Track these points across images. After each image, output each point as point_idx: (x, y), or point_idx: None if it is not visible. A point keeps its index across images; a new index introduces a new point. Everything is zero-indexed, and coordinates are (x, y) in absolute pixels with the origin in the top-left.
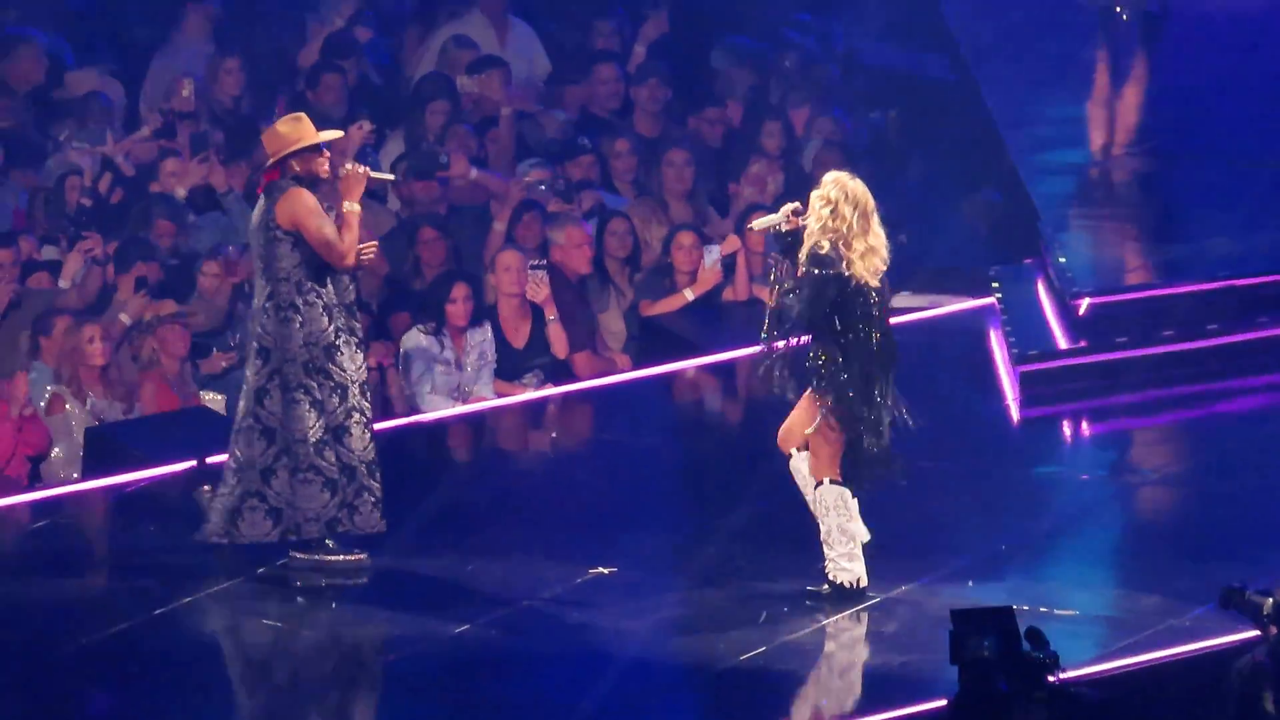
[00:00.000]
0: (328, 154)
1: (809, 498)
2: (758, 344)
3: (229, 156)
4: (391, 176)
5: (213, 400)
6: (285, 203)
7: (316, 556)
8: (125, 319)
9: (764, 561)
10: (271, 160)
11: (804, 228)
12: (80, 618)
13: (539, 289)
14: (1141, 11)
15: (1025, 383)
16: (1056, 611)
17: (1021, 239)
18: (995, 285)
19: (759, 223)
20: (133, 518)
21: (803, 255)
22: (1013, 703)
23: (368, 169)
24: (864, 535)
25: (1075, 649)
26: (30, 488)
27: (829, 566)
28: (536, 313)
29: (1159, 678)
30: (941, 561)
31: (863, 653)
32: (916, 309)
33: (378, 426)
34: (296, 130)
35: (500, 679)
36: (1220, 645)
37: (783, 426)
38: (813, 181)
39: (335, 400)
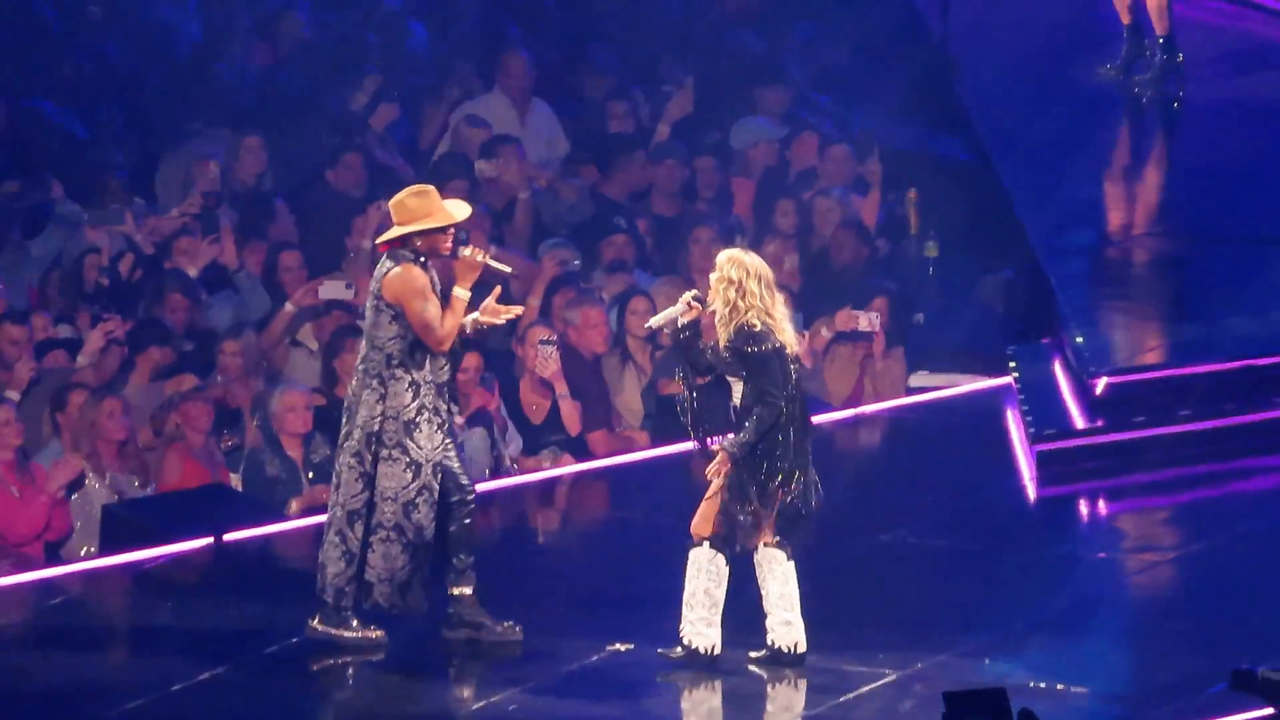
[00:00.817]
0: (451, 232)
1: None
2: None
3: (246, 236)
4: (509, 269)
5: (237, 480)
6: (395, 278)
7: (335, 631)
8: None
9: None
10: (397, 232)
11: (700, 318)
12: (95, 694)
13: (548, 364)
14: (1161, 95)
15: (1042, 462)
16: (1072, 689)
17: (1039, 318)
18: (1012, 365)
19: (656, 319)
20: (150, 595)
21: (724, 338)
22: None
23: (486, 257)
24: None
25: None
26: (47, 563)
27: (685, 629)
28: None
29: None
30: (958, 639)
31: None
32: (933, 388)
33: None
34: (425, 206)
35: None
36: None
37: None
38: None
39: (408, 476)
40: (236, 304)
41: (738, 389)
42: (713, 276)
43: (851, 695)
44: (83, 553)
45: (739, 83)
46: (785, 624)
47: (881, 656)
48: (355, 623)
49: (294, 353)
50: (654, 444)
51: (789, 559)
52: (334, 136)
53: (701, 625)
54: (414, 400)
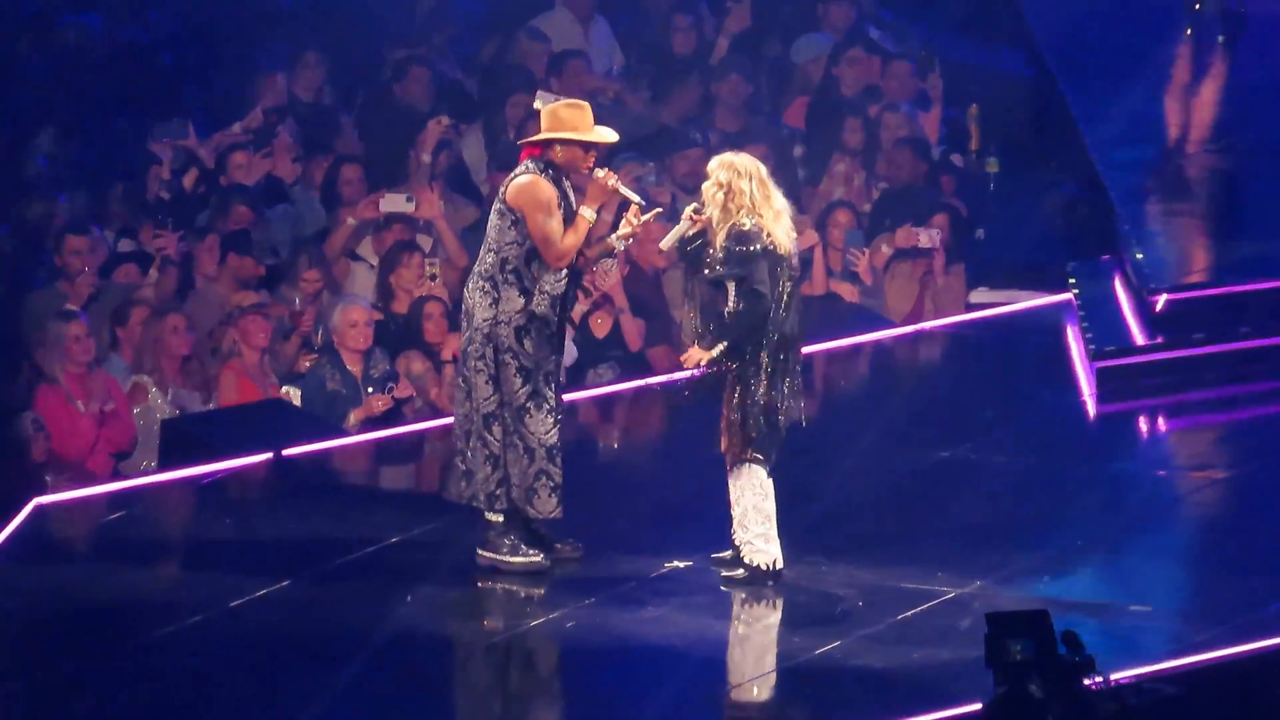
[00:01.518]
0: (594, 152)
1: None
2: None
3: (305, 151)
4: (638, 199)
5: (290, 393)
6: (522, 186)
7: (497, 557)
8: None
9: (839, 556)
10: (540, 137)
11: (705, 227)
12: (154, 609)
13: (608, 277)
14: (1221, 8)
15: (1102, 378)
16: (1131, 607)
17: (1099, 235)
18: (1072, 281)
19: (666, 240)
20: (208, 510)
21: (718, 242)
22: (1047, 706)
23: (619, 182)
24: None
25: (1151, 645)
26: (107, 479)
27: (744, 549)
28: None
29: (1236, 672)
30: (1016, 556)
31: (935, 648)
32: (994, 304)
33: (449, 420)
34: (575, 119)
35: (577, 672)
36: None
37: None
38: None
39: (518, 381)
40: (293, 217)
41: (733, 292)
42: (704, 184)
43: (910, 613)
44: (142, 467)
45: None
46: (765, 539)
47: (940, 574)
48: (521, 548)
49: (354, 266)
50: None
51: (768, 475)
52: (396, 49)
53: (760, 542)
54: (525, 307)
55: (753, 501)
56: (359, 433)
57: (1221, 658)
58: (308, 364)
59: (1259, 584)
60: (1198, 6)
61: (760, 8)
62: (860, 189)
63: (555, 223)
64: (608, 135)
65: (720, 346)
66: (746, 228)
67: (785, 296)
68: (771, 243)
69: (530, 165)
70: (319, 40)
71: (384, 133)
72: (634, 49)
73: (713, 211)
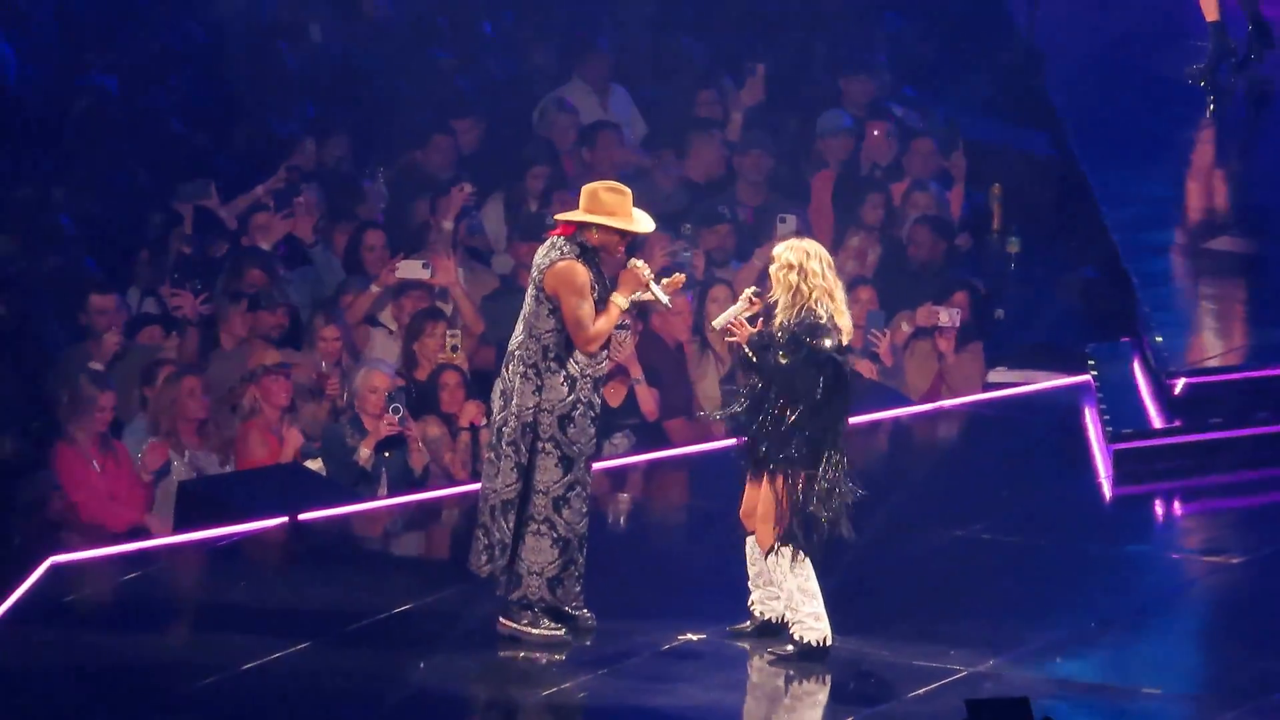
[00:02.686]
0: (628, 238)
1: (752, 571)
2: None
3: (325, 214)
4: (666, 300)
5: (312, 464)
6: (558, 271)
7: (518, 627)
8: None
9: (852, 633)
10: (578, 216)
11: (760, 313)
12: (167, 670)
13: (622, 348)
14: (1249, 89)
15: (1119, 461)
16: (1144, 689)
17: (1119, 317)
18: (1091, 363)
19: (720, 319)
20: (224, 573)
21: (786, 321)
22: None
23: (651, 277)
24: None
25: None
26: (124, 539)
27: (795, 628)
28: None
29: None
30: (1030, 636)
31: None
32: (1012, 384)
33: (464, 489)
34: (615, 204)
35: None
36: None
37: (746, 503)
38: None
39: (559, 472)
40: (312, 279)
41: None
42: (772, 268)
43: (922, 690)
44: (159, 528)
45: (824, 73)
46: (815, 617)
47: (953, 653)
48: (543, 620)
49: (374, 332)
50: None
51: (805, 556)
52: (423, 116)
53: (811, 620)
54: (570, 395)
55: (797, 584)
56: (369, 464)
57: None
58: (392, 422)
59: (1272, 668)
60: (1202, 83)
61: (777, 82)
62: (874, 264)
63: (588, 307)
64: (646, 225)
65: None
66: (822, 320)
67: (842, 391)
68: (839, 337)
69: (565, 247)
70: (340, 107)
71: (406, 199)
72: (655, 117)
73: (780, 293)
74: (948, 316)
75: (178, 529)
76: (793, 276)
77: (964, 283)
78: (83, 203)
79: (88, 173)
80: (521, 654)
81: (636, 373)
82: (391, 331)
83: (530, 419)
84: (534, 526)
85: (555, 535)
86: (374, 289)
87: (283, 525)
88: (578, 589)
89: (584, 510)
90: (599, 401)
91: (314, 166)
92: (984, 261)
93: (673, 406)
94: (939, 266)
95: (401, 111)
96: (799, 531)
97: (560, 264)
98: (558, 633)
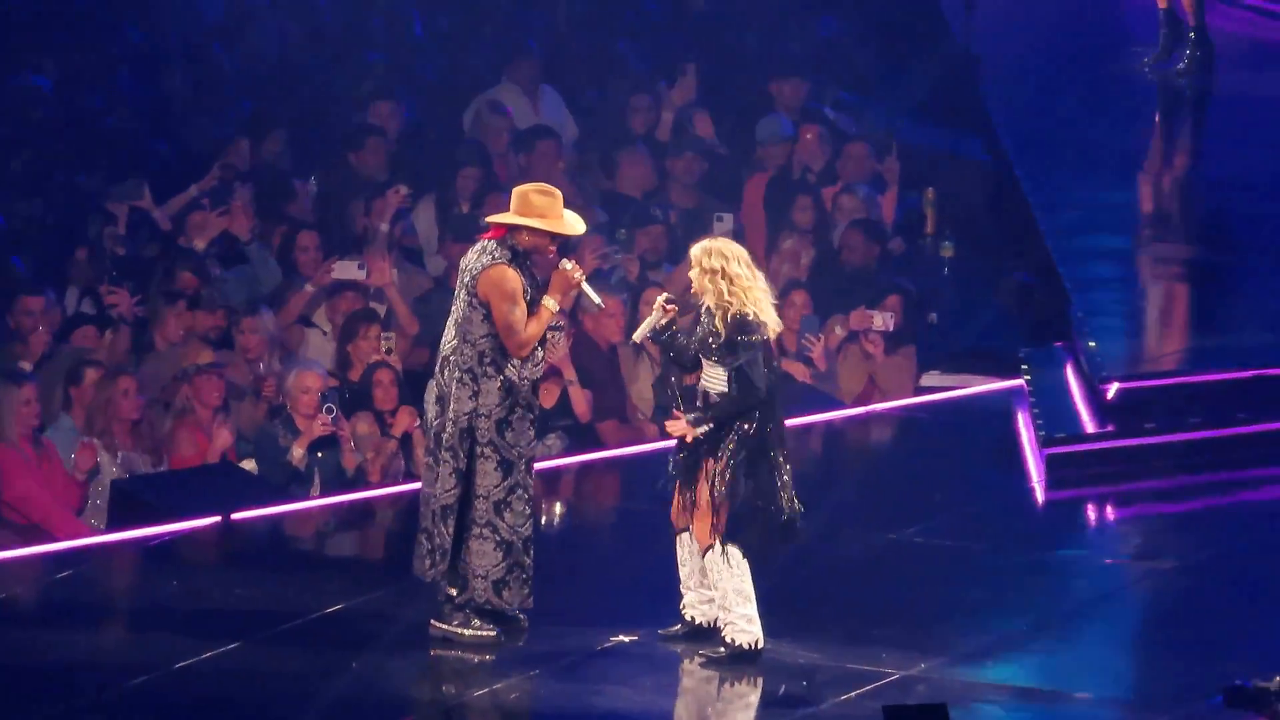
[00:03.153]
0: (559, 241)
1: (684, 573)
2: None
3: (265, 214)
4: (598, 300)
5: (246, 465)
6: (490, 276)
7: (449, 628)
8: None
9: (783, 636)
10: (509, 219)
11: (675, 318)
12: (98, 669)
13: (555, 349)
14: (1193, 87)
15: (1051, 465)
16: (1075, 695)
17: (1052, 322)
18: (1024, 367)
19: (639, 332)
20: (156, 572)
21: (717, 326)
22: None
23: (583, 278)
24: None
25: None
26: (55, 537)
27: (728, 629)
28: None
29: None
30: (961, 640)
31: None
32: (945, 388)
33: (398, 489)
34: (545, 206)
35: None
36: None
37: (676, 504)
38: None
39: (499, 476)
40: (249, 277)
41: (712, 372)
42: (693, 273)
43: (854, 693)
44: (91, 527)
45: (756, 77)
46: (748, 620)
47: (884, 656)
48: (474, 621)
49: (309, 333)
50: (664, 435)
51: (743, 556)
52: (356, 118)
53: (743, 623)
54: (507, 399)
55: (733, 585)
56: (302, 464)
57: None
58: (326, 422)
59: (1202, 676)
60: (1170, 77)
61: (707, 84)
62: (807, 267)
63: (520, 312)
64: (577, 226)
65: (707, 426)
66: (750, 316)
67: (774, 377)
68: (765, 332)
69: (496, 251)
70: (278, 108)
71: (341, 201)
72: (586, 121)
73: (708, 299)
74: (881, 320)
75: (110, 528)
76: (719, 282)
77: (897, 286)
78: (11, 201)
79: (20, 173)
80: (455, 654)
81: (570, 374)
82: (325, 332)
83: (466, 424)
84: (476, 530)
85: (499, 539)
86: (308, 288)
87: (215, 525)
88: (526, 591)
89: (526, 512)
90: (537, 404)
91: (248, 166)
92: (918, 265)
93: (605, 408)
94: (872, 271)
95: (335, 111)
96: (738, 527)
97: (492, 270)
98: (489, 634)
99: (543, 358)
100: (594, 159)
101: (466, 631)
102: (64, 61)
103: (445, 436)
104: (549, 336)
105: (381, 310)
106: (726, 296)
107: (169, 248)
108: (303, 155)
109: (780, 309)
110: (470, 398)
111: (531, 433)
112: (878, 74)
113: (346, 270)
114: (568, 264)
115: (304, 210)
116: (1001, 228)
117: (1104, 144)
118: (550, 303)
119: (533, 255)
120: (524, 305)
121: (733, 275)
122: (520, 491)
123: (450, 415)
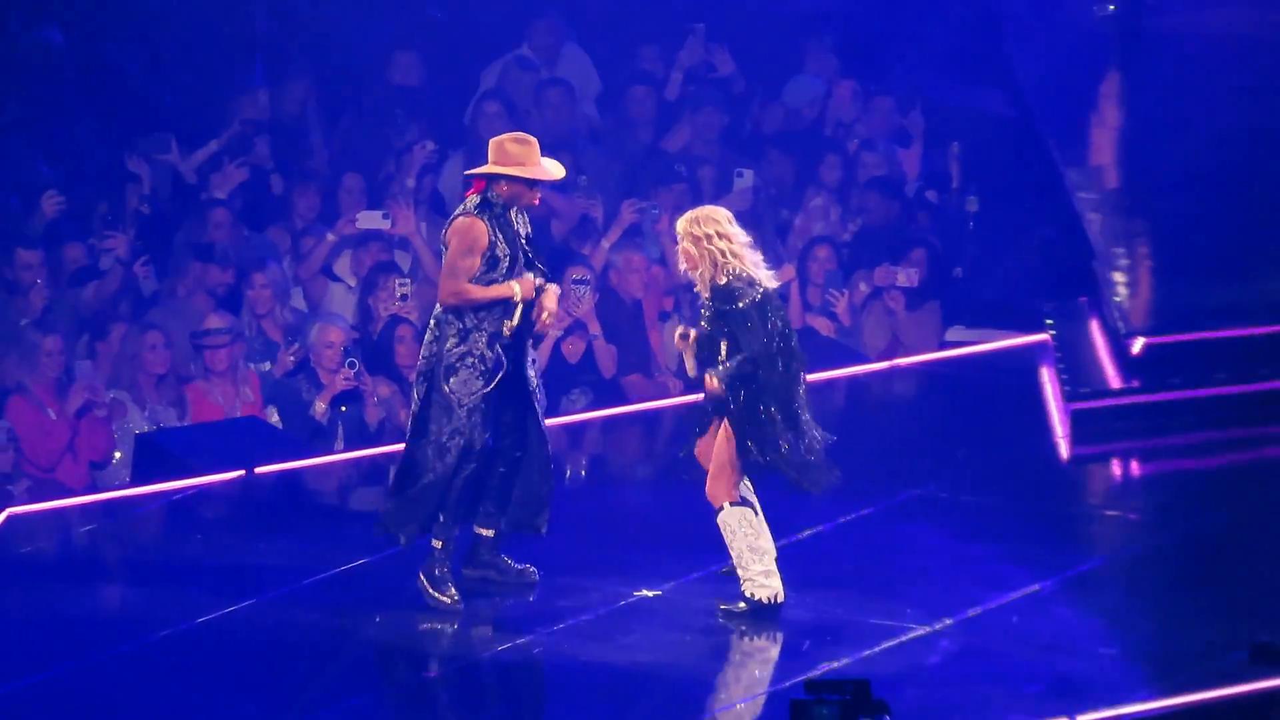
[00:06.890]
0: (538, 189)
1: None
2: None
3: (287, 167)
4: (509, 329)
5: (269, 411)
6: (456, 224)
7: (423, 579)
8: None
9: (807, 591)
10: (487, 170)
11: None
12: (121, 623)
13: (581, 304)
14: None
15: (1076, 420)
16: (1100, 650)
17: (1077, 277)
18: (1049, 322)
19: (690, 367)
20: (180, 526)
21: (706, 297)
22: None
23: (555, 289)
24: (773, 549)
25: (1117, 687)
26: (79, 491)
27: (746, 585)
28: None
29: (1201, 718)
30: (985, 595)
31: (901, 685)
32: (969, 343)
33: None
34: (522, 154)
35: (540, 699)
36: (1263, 689)
37: (701, 443)
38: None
39: (443, 419)
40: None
41: (725, 349)
42: (682, 245)
43: (877, 649)
44: (116, 481)
45: (787, 37)
46: (765, 575)
47: (909, 611)
48: (443, 583)
49: (332, 286)
50: (688, 390)
51: (756, 513)
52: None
53: (761, 578)
54: (459, 346)
55: (746, 543)
56: (325, 418)
57: (1187, 703)
58: (348, 376)
59: (1224, 631)
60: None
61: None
62: (837, 223)
63: (468, 263)
64: (553, 171)
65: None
66: (724, 282)
67: (782, 331)
68: (760, 289)
69: (471, 206)
70: (298, 62)
71: (364, 154)
72: (612, 76)
73: (701, 268)
74: (904, 276)
75: (135, 481)
76: (718, 243)
77: (922, 240)
78: (34, 158)
79: (37, 127)
80: (480, 607)
81: (595, 329)
82: (350, 286)
83: (426, 368)
84: (419, 471)
85: (431, 478)
86: (330, 237)
87: (239, 478)
88: (415, 531)
89: (460, 459)
90: (493, 356)
91: (268, 118)
92: (942, 220)
93: (630, 363)
94: (893, 228)
95: (359, 66)
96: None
97: (460, 218)
98: (446, 601)
99: (517, 320)
100: (613, 120)
101: (432, 591)
102: (80, 16)
103: (416, 380)
104: (574, 291)
105: (407, 261)
106: (725, 257)
107: (191, 201)
108: (321, 108)
109: (807, 265)
110: (433, 342)
111: (480, 383)
112: (900, 30)
113: (371, 220)
114: (538, 279)
115: (324, 164)
116: (1026, 183)
117: (1130, 101)
118: (517, 290)
119: (518, 205)
120: (477, 260)
121: (729, 235)
122: (458, 439)
123: (417, 363)
